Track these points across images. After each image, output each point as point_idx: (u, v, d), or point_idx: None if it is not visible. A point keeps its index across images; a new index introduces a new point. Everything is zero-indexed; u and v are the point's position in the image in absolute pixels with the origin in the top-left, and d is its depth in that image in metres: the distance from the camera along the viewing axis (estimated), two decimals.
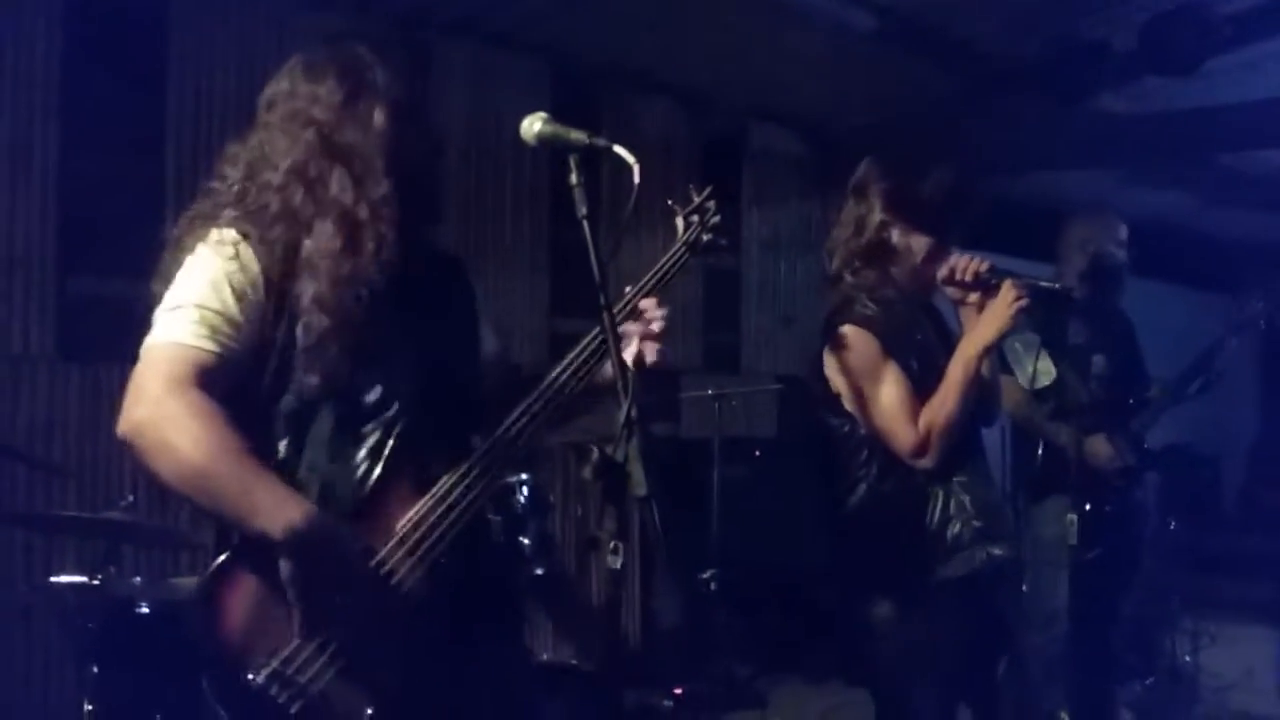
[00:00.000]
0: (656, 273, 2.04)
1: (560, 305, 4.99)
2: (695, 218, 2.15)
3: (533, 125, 1.72)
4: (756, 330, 5.92)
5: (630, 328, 1.93)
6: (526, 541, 2.82)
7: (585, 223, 1.65)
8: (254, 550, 1.67)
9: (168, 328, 1.71)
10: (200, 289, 1.73)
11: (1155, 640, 5.41)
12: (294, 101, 1.84)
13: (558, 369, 1.86)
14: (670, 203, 2.19)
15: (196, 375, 1.67)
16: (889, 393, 2.53)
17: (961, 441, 2.57)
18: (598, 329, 1.81)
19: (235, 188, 1.85)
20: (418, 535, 1.73)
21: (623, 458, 1.50)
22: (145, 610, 2.86)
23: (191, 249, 1.79)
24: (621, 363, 1.58)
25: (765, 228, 5.99)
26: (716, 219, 2.17)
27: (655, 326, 1.94)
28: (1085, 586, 3.35)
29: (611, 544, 1.49)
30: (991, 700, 2.64)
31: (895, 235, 2.62)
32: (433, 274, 1.95)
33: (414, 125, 1.85)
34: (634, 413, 1.53)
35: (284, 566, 1.64)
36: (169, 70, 4.11)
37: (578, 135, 1.67)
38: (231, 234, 1.78)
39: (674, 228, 2.16)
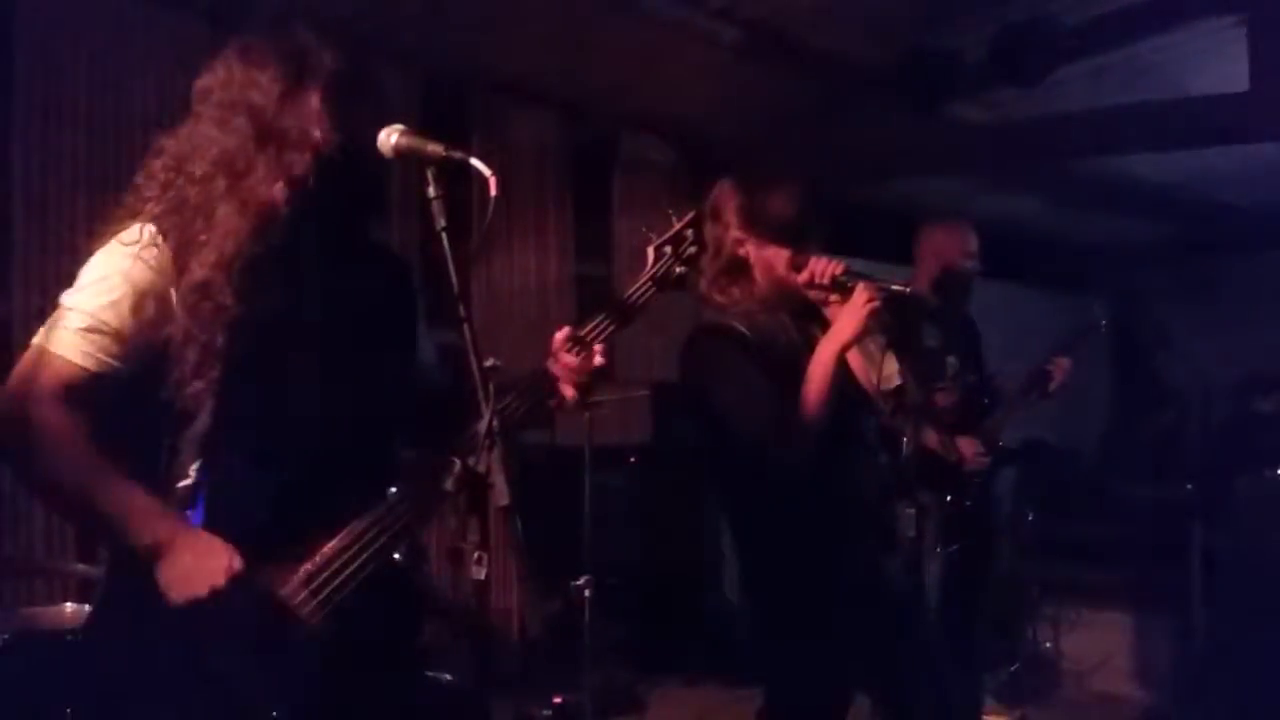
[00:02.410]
0: (618, 307, 1.90)
1: (433, 316, 4.92)
2: (668, 248, 1.94)
3: (390, 137, 1.72)
4: (629, 338, 5.95)
5: (563, 365, 1.84)
6: (397, 556, 2.79)
7: (444, 235, 1.65)
8: (139, 585, 1.63)
9: (55, 332, 1.68)
10: (99, 294, 1.68)
11: (1017, 628, 5.62)
12: (230, 90, 1.78)
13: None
14: (645, 229, 1.99)
15: (68, 391, 1.65)
16: (747, 393, 2.58)
17: (830, 440, 2.62)
18: (532, 382, 1.79)
19: (159, 180, 1.78)
20: (323, 577, 1.70)
21: (484, 468, 1.50)
22: None
23: (106, 242, 1.73)
24: (482, 371, 1.59)
25: (636, 236, 6.02)
26: (693, 250, 1.94)
27: (596, 362, 1.84)
28: (947, 578, 3.47)
29: (475, 554, 1.49)
30: (883, 693, 2.69)
31: (752, 251, 2.68)
32: (370, 279, 1.90)
33: (356, 110, 1.79)
34: (495, 423, 1.54)
35: (160, 579, 1.62)
36: (15, 76, 3.96)
37: (434, 147, 1.67)
38: (149, 233, 1.72)
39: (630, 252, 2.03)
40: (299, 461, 1.72)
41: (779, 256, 2.66)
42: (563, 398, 1.83)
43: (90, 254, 1.75)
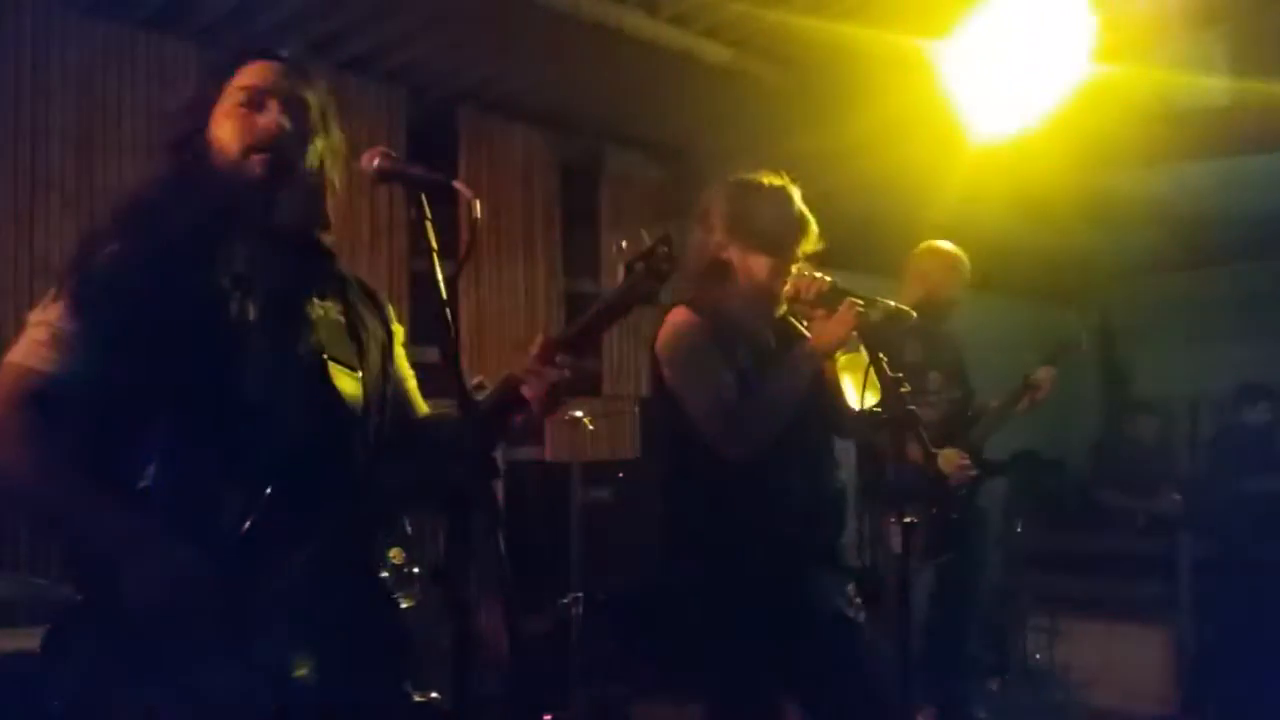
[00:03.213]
0: (581, 324, 1.83)
1: (420, 334, 4.92)
2: (640, 265, 1.80)
3: (373, 161, 1.74)
4: (618, 353, 5.97)
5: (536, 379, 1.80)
6: (384, 575, 2.79)
7: (435, 256, 1.67)
8: (103, 599, 1.63)
9: (19, 344, 1.72)
10: (64, 302, 1.71)
11: (1009, 640, 5.64)
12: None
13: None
14: (614, 247, 1.92)
15: (32, 397, 1.67)
16: (709, 378, 2.61)
17: (796, 445, 2.64)
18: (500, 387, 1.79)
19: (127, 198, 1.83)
20: (294, 581, 1.70)
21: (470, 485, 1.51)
22: None
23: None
24: (463, 391, 1.60)
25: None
26: (666, 267, 1.78)
27: (553, 378, 1.78)
28: (936, 590, 3.49)
29: (460, 573, 1.50)
30: (838, 701, 2.67)
31: (733, 255, 2.71)
32: (333, 299, 1.92)
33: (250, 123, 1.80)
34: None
35: (125, 584, 1.61)
36: (2, 97, 3.97)
37: (416, 170, 1.69)
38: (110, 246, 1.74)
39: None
40: (256, 467, 1.71)
41: (760, 264, 2.70)
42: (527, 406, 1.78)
43: None
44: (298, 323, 1.82)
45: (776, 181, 2.77)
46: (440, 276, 1.64)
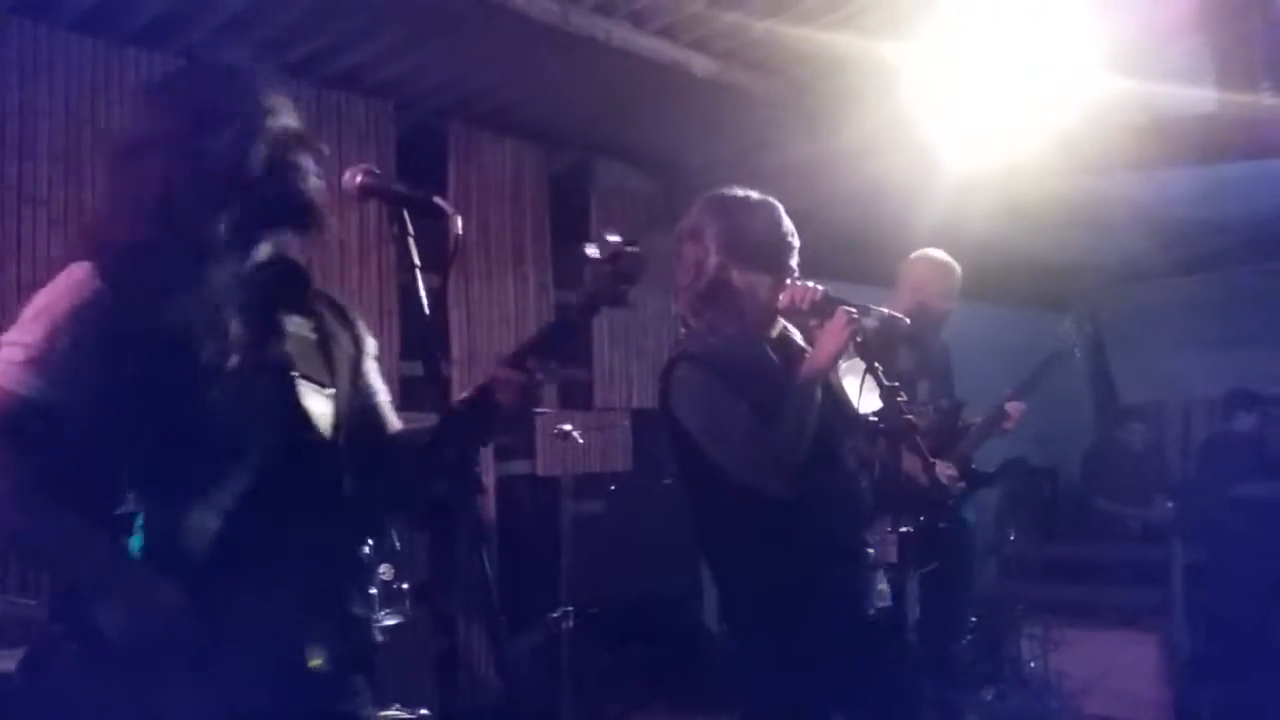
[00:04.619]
0: (547, 330, 1.86)
1: (409, 350, 4.91)
2: (606, 269, 1.79)
3: (354, 178, 1.74)
4: (608, 365, 5.97)
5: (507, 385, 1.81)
6: (373, 591, 2.79)
7: (418, 272, 1.67)
8: (81, 622, 1.62)
9: None
10: (41, 324, 1.68)
11: (1002, 648, 5.63)
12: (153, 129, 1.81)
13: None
14: (580, 249, 1.84)
15: (6, 422, 1.64)
16: (732, 424, 2.58)
17: (812, 464, 2.62)
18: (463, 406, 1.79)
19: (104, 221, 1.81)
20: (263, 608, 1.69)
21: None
22: None
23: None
24: (447, 405, 1.60)
25: None
26: (633, 270, 1.78)
27: (523, 382, 1.79)
28: (924, 599, 3.49)
29: (443, 591, 1.50)
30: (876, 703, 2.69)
31: (734, 276, 2.67)
32: (304, 317, 1.90)
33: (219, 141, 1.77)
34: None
35: (101, 616, 1.60)
36: None
37: (398, 186, 1.70)
38: (86, 268, 1.71)
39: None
40: (235, 493, 1.70)
41: (762, 283, 2.68)
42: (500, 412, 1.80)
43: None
44: (270, 344, 1.80)
45: (761, 196, 2.75)
46: (423, 292, 1.64)
